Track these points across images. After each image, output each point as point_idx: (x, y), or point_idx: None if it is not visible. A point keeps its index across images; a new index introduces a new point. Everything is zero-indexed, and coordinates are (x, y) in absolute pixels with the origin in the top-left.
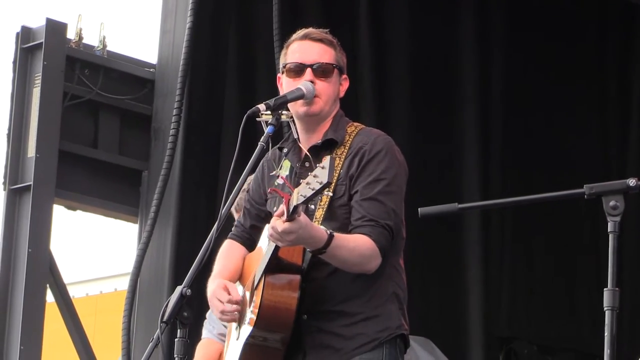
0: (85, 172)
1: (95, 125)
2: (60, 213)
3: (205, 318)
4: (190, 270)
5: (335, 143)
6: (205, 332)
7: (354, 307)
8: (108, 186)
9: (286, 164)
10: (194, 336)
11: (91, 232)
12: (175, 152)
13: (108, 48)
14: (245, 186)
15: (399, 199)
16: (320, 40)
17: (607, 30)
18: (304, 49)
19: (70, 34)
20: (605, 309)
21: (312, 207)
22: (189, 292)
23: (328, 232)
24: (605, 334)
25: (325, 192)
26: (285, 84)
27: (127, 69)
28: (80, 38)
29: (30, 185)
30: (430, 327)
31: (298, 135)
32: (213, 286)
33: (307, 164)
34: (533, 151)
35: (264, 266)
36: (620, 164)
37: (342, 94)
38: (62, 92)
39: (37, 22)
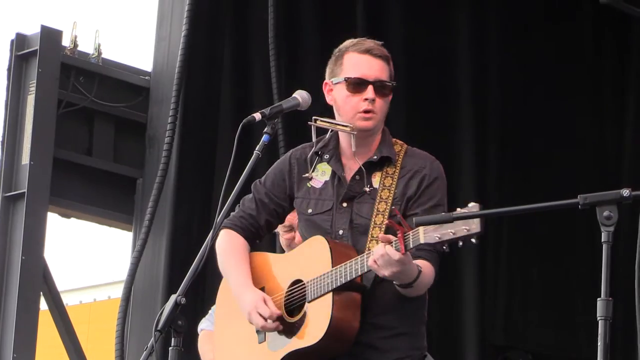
0: (80, 179)
1: (90, 133)
2: (54, 220)
3: (201, 319)
4: (185, 279)
5: (389, 161)
6: (206, 324)
7: (391, 321)
8: (102, 194)
9: (324, 169)
10: (188, 345)
11: (85, 240)
12: (170, 160)
13: (103, 55)
14: None
15: None
16: (380, 57)
17: (602, 39)
18: (367, 63)
19: (65, 41)
20: (598, 318)
21: (366, 222)
22: (183, 300)
23: (419, 268)
24: (599, 344)
25: (381, 211)
26: (343, 97)
27: (122, 77)
28: (75, 45)
29: (24, 192)
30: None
31: (342, 145)
32: (253, 296)
33: (357, 177)
34: (530, 158)
35: (332, 286)
36: (615, 174)
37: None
38: (57, 99)
39: (32, 29)
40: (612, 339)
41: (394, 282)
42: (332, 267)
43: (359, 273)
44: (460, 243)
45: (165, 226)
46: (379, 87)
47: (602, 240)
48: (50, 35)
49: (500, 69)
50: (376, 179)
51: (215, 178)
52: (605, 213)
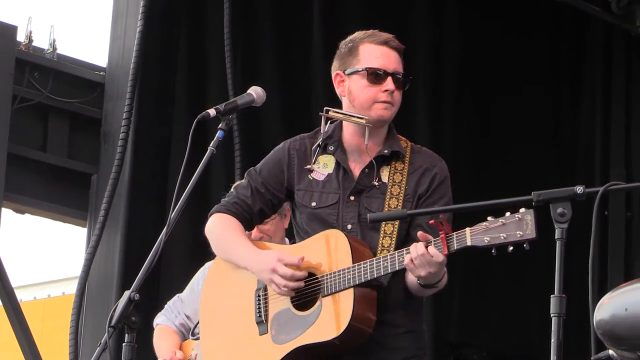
0: (34, 175)
1: (45, 129)
2: (8, 216)
3: (157, 315)
4: (139, 275)
5: (397, 156)
6: (162, 319)
7: (399, 318)
8: (57, 190)
9: (326, 161)
10: (142, 341)
11: (39, 236)
12: (125, 156)
13: (58, 51)
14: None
15: None
16: (397, 49)
17: (560, 31)
18: (385, 55)
19: (20, 37)
20: (552, 315)
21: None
22: (137, 296)
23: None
24: (552, 341)
25: (392, 209)
26: (360, 87)
27: (77, 72)
28: (30, 41)
29: None
30: None
31: (346, 137)
32: (266, 256)
33: (367, 171)
34: (485, 154)
35: (356, 280)
36: (569, 171)
37: None
38: (11, 95)
39: None
40: (566, 336)
41: (419, 281)
42: (353, 262)
43: (389, 271)
44: (511, 248)
45: (119, 222)
46: (398, 79)
47: (556, 237)
48: (4, 31)
49: (459, 66)
50: (384, 174)
51: (170, 174)
52: (559, 210)
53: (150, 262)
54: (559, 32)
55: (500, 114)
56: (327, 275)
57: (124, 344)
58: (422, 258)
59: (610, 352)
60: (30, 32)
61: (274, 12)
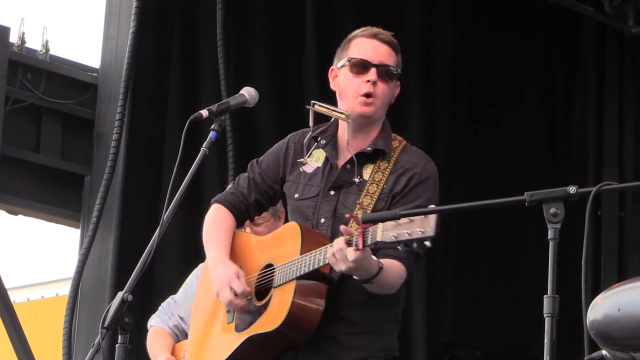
0: (27, 176)
1: (38, 130)
2: (1, 218)
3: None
4: (132, 276)
5: (383, 154)
6: (156, 320)
7: (360, 316)
8: (50, 191)
9: (319, 155)
10: (135, 342)
11: (33, 237)
12: (118, 157)
13: (51, 52)
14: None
15: None
16: (388, 43)
17: (553, 31)
18: (372, 47)
19: (13, 38)
20: (545, 315)
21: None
22: (130, 297)
23: (380, 265)
24: (545, 341)
25: (365, 206)
26: (347, 80)
27: (70, 73)
28: (23, 42)
29: None
30: None
31: (338, 131)
32: (227, 270)
33: (348, 167)
34: (478, 156)
35: (297, 273)
36: (562, 171)
37: (393, 100)
38: (4, 96)
39: None
40: (559, 336)
41: (354, 276)
42: (300, 254)
43: (321, 264)
44: (415, 245)
45: (112, 223)
46: (383, 71)
47: (549, 237)
48: None
49: (451, 67)
50: (367, 171)
51: (163, 175)
52: (552, 210)
53: (143, 263)
54: (552, 33)
55: (493, 114)
56: (279, 266)
57: (117, 345)
58: (341, 253)
59: (604, 352)
60: (23, 34)
61: (267, 13)
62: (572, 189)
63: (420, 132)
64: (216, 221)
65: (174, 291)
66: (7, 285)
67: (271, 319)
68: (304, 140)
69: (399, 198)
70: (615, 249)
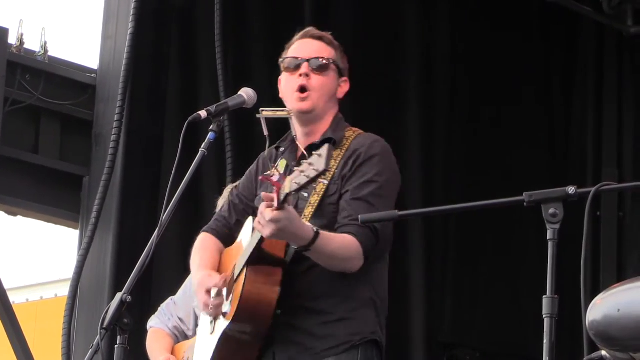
0: (26, 177)
1: (36, 131)
2: (0, 219)
3: (150, 317)
4: (131, 277)
5: (335, 144)
6: (156, 322)
7: (329, 306)
8: (49, 192)
9: (282, 163)
10: (134, 343)
11: (32, 238)
12: (117, 158)
13: (49, 53)
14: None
15: (389, 204)
16: (320, 38)
17: (551, 31)
18: (302, 45)
19: (12, 39)
20: (544, 316)
21: (302, 204)
22: (129, 298)
23: (314, 229)
24: (545, 341)
25: (317, 191)
26: (284, 81)
27: (68, 74)
28: (22, 43)
29: None
30: None
31: (296, 134)
32: (199, 276)
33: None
34: (477, 156)
35: (246, 258)
36: (561, 171)
37: (340, 96)
38: (3, 97)
39: None
40: (558, 337)
41: (290, 244)
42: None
43: (255, 243)
44: (316, 184)
45: (111, 224)
46: (315, 64)
47: (548, 237)
48: None
49: (450, 67)
50: None
51: (162, 176)
52: (551, 211)
53: (142, 264)
54: (551, 33)
55: (492, 115)
56: (238, 260)
57: (116, 346)
58: (261, 216)
59: (603, 352)
60: (22, 35)
61: (265, 13)
62: (571, 190)
63: (420, 132)
64: (199, 247)
65: (173, 292)
66: (6, 286)
67: (229, 313)
68: (268, 154)
69: (347, 178)
70: (614, 249)
